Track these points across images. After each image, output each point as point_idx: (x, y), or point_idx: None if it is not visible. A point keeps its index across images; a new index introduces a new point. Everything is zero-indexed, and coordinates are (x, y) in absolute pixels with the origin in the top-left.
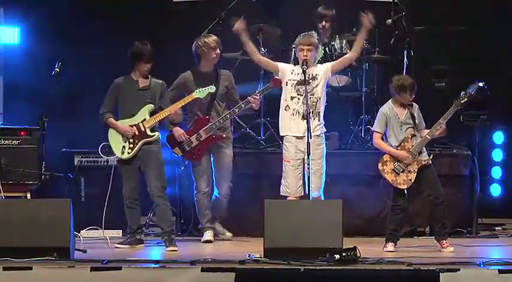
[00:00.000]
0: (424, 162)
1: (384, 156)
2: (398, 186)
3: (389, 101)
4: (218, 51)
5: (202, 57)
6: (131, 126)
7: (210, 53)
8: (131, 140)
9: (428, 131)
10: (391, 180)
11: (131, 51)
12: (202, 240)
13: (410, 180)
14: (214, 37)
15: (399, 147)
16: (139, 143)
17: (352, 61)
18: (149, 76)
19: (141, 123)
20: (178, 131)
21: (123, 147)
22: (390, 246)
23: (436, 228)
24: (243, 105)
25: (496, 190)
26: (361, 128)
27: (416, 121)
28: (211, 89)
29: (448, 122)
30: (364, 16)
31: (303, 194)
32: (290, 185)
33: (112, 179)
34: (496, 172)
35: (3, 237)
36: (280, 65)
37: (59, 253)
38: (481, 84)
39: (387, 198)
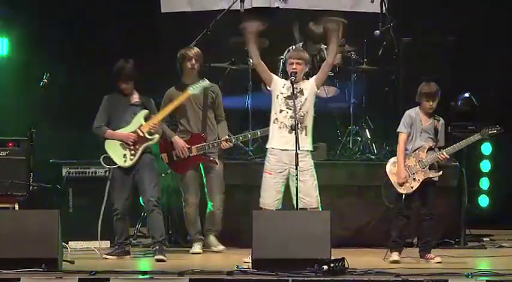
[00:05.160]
0: (431, 176)
1: (395, 158)
2: (399, 189)
3: (418, 106)
4: (194, 62)
5: (181, 68)
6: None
7: (186, 64)
8: (132, 147)
9: (446, 149)
10: (394, 181)
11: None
12: (190, 251)
13: (412, 187)
14: (195, 50)
15: (413, 154)
16: (141, 148)
17: (331, 66)
18: (135, 92)
19: (138, 129)
20: (179, 144)
21: (124, 155)
22: (395, 255)
23: (420, 243)
24: (240, 137)
25: (484, 201)
26: (349, 139)
27: (438, 136)
28: (204, 82)
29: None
30: (328, 20)
31: (280, 207)
32: (266, 197)
33: (104, 190)
34: (484, 183)
35: None
36: (275, 78)
37: (47, 264)
38: (467, 95)
39: (388, 203)
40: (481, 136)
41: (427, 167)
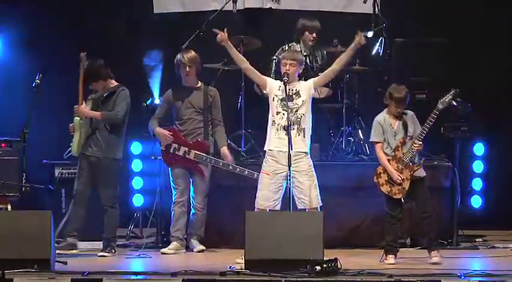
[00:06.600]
0: (416, 174)
1: (377, 169)
2: (394, 196)
3: (384, 110)
4: (188, 68)
5: (179, 73)
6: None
7: (181, 70)
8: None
9: (417, 135)
10: (387, 191)
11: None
12: (161, 251)
13: (404, 188)
14: (188, 55)
15: (391, 157)
16: (76, 133)
17: (335, 73)
18: (111, 83)
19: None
20: (162, 132)
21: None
22: (390, 258)
23: (424, 242)
24: (238, 169)
25: (476, 202)
26: (342, 140)
27: (410, 129)
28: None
29: (429, 133)
30: (359, 34)
31: (278, 208)
32: (261, 198)
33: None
34: (477, 184)
35: None
36: (269, 80)
37: (40, 265)
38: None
39: (388, 209)
40: (442, 105)
41: (409, 162)
